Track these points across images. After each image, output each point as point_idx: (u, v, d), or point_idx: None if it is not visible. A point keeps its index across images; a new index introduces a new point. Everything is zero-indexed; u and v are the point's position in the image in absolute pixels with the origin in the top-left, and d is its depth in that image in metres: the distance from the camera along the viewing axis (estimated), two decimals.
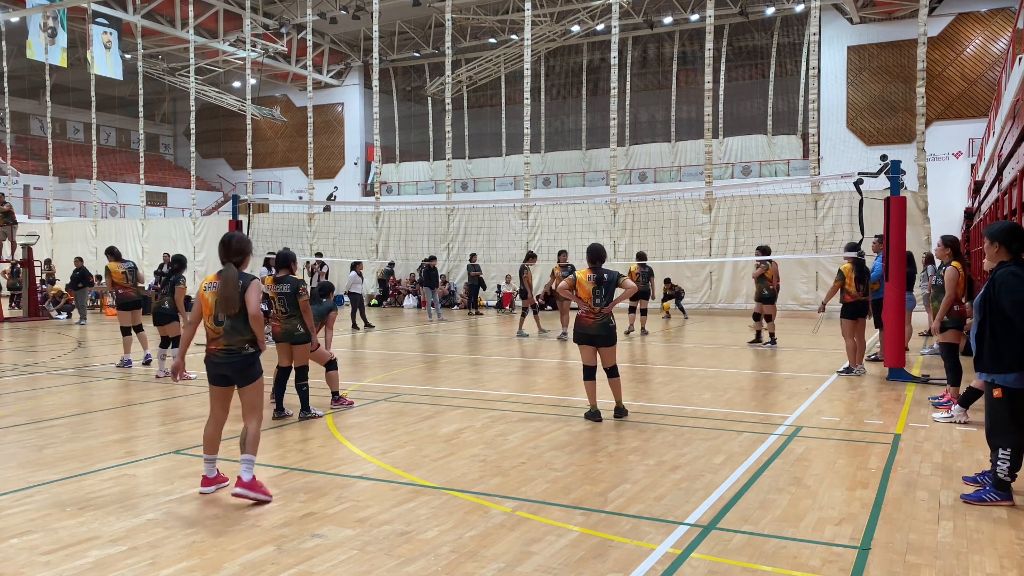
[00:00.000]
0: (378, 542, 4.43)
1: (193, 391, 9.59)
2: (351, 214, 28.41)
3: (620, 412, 7.82)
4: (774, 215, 19.52)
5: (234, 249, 5.36)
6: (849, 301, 10.49)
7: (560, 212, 23.75)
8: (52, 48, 32.85)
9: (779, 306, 20.35)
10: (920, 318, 16.35)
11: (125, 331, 11.60)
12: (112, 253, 11.86)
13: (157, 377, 10.62)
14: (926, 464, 6.08)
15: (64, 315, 22.30)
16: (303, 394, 7.91)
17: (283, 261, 7.97)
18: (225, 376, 5.37)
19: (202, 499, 5.23)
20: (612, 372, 7.79)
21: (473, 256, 23.40)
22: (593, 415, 7.72)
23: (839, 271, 10.56)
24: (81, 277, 20.83)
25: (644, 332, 16.24)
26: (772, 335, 14.11)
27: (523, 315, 16.74)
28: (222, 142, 49.21)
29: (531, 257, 16.81)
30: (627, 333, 15.72)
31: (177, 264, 10.64)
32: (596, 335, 7.61)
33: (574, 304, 7.90)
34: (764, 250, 14.44)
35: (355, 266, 17.92)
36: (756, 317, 14.32)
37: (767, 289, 13.96)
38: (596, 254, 7.72)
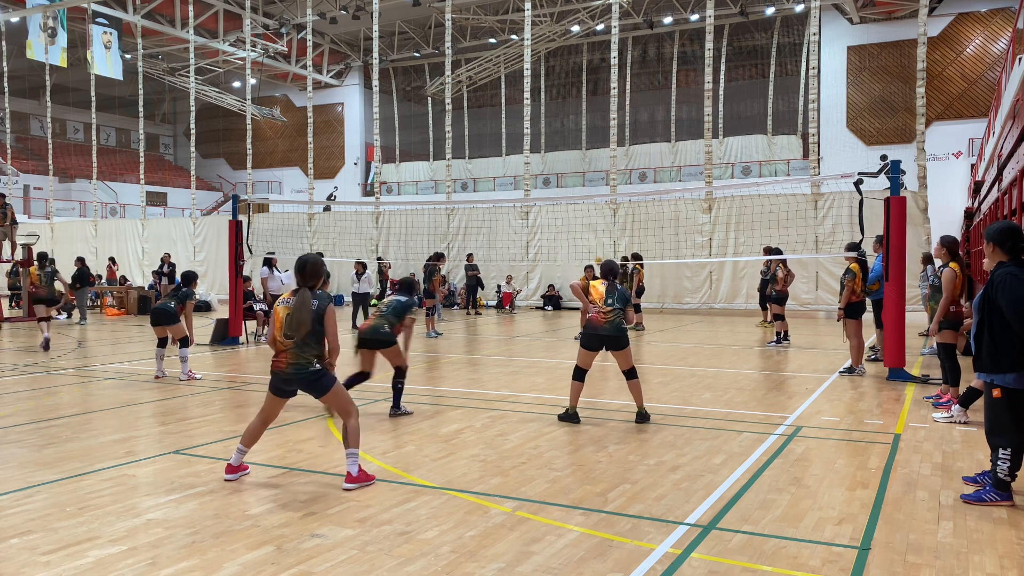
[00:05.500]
0: (378, 542, 4.44)
1: (193, 391, 9.60)
2: (351, 214, 28.40)
3: (642, 417, 7.63)
4: (774, 215, 19.52)
5: (308, 273, 5.62)
6: (855, 301, 10.49)
7: (560, 212, 23.75)
8: (52, 48, 32.83)
9: None
10: (918, 317, 16.36)
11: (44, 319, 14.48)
12: (40, 259, 15.13)
13: (157, 378, 10.63)
14: (926, 464, 6.08)
15: (64, 315, 22.30)
16: (398, 392, 8.09)
17: (406, 285, 8.60)
18: (291, 391, 5.65)
19: (202, 499, 5.23)
20: (631, 374, 7.66)
21: (470, 256, 23.39)
22: (571, 417, 7.62)
23: (850, 271, 10.52)
24: (81, 277, 20.83)
25: (641, 327, 16.85)
26: (778, 334, 14.30)
27: (428, 315, 16.68)
28: (222, 142, 49.20)
29: (439, 257, 16.85)
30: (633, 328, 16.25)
31: (187, 280, 10.89)
32: (608, 335, 7.50)
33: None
34: (776, 251, 14.85)
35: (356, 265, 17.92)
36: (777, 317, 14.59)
37: (775, 290, 14.43)
38: (611, 270, 7.72)
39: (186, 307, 10.57)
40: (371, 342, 7.98)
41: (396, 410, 8.10)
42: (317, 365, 5.53)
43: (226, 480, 5.64)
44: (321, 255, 23.29)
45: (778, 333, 14.39)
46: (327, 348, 5.58)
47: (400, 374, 8.13)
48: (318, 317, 5.48)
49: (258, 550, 4.31)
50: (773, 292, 14.49)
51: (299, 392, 5.69)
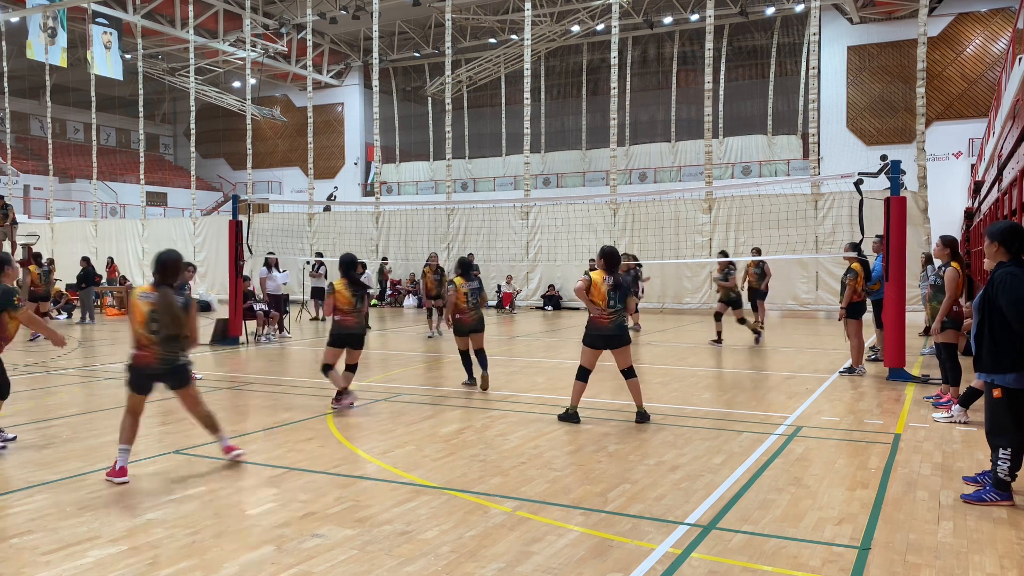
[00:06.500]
0: (378, 542, 4.44)
1: None
2: (351, 214, 28.40)
3: (643, 417, 7.62)
4: (774, 215, 19.52)
5: (170, 271, 5.76)
6: (856, 300, 10.49)
7: (560, 212, 23.75)
8: (52, 48, 32.81)
9: (779, 305, 20.53)
10: (918, 317, 16.36)
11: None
12: (36, 257, 16.88)
13: None
14: (926, 464, 6.09)
15: (64, 315, 22.29)
16: (466, 364, 9.75)
17: (467, 266, 9.84)
18: (151, 386, 5.81)
19: (202, 499, 5.23)
20: (630, 373, 7.67)
21: (471, 256, 23.35)
22: (571, 416, 7.63)
23: (852, 270, 10.51)
24: (86, 277, 20.83)
25: (638, 327, 16.79)
26: (756, 331, 14.20)
27: (428, 316, 16.78)
28: (222, 142, 49.17)
29: (433, 257, 16.84)
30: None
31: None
32: (612, 335, 7.51)
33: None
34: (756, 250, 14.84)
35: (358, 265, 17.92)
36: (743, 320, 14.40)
37: (733, 292, 14.31)
38: (613, 259, 7.67)
39: None
40: (477, 330, 9.62)
41: (469, 381, 9.75)
42: (183, 359, 5.81)
43: (114, 482, 5.54)
44: (320, 255, 23.43)
45: (719, 333, 14.24)
46: (188, 339, 5.84)
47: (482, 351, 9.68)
48: (184, 312, 5.69)
49: (258, 550, 4.32)
50: (732, 294, 14.33)
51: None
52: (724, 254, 15.59)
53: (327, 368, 8.30)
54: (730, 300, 14.27)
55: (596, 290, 7.52)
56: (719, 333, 14.23)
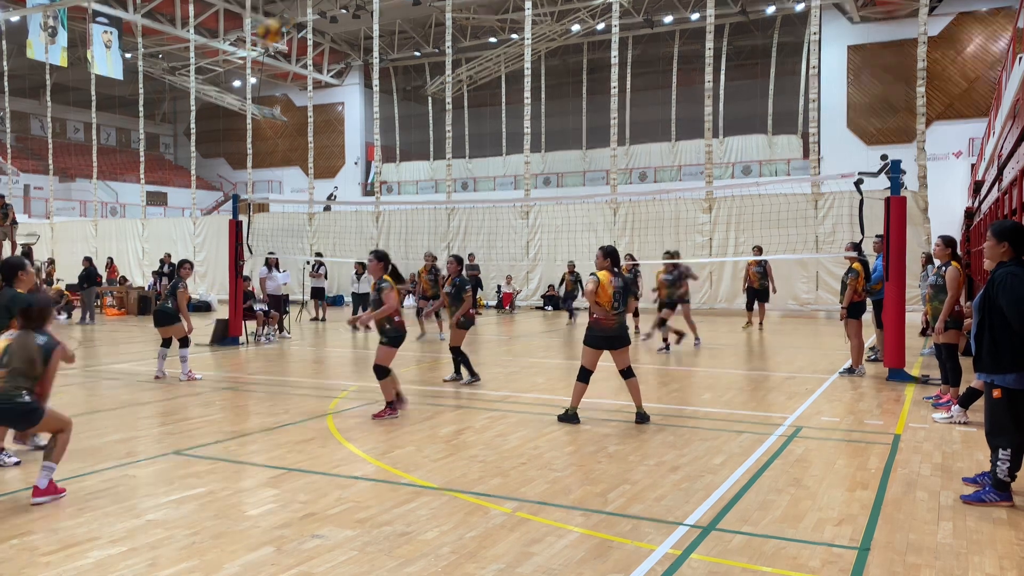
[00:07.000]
0: (378, 543, 4.44)
1: (193, 391, 9.60)
2: (351, 214, 28.41)
3: (642, 418, 7.61)
4: (774, 215, 19.51)
5: (35, 316, 5.43)
6: (856, 300, 10.49)
7: (560, 212, 23.75)
8: (52, 48, 32.82)
9: (779, 305, 20.52)
10: (919, 318, 16.35)
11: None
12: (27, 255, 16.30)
13: (156, 377, 10.62)
14: (926, 464, 6.09)
15: (64, 315, 22.29)
16: (466, 361, 9.99)
17: (460, 261, 10.36)
18: None
19: (202, 499, 5.23)
20: (628, 373, 7.67)
21: (471, 256, 23.39)
22: (570, 417, 7.62)
23: (853, 270, 10.50)
24: (88, 277, 20.84)
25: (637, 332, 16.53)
26: (666, 339, 13.79)
27: (418, 314, 16.68)
28: (222, 142, 49.17)
29: (429, 258, 16.72)
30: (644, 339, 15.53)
31: (175, 269, 11.10)
32: (615, 336, 7.51)
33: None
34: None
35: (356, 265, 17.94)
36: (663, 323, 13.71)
37: (678, 295, 13.83)
38: (617, 257, 7.67)
39: (178, 297, 10.55)
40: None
41: (473, 378, 9.96)
42: (27, 398, 5.24)
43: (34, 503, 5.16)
44: (320, 255, 23.35)
45: (666, 339, 13.70)
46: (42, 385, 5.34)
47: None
48: (44, 356, 5.29)
49: (258, 551, 4.32)
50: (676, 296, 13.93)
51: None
52: (670, 254, 15.01)
53: (386, 372, 7.88)
54: (671, 303, 13.88)
55: (603, 292, 7.48)
56: (693, 332, 14.12)
